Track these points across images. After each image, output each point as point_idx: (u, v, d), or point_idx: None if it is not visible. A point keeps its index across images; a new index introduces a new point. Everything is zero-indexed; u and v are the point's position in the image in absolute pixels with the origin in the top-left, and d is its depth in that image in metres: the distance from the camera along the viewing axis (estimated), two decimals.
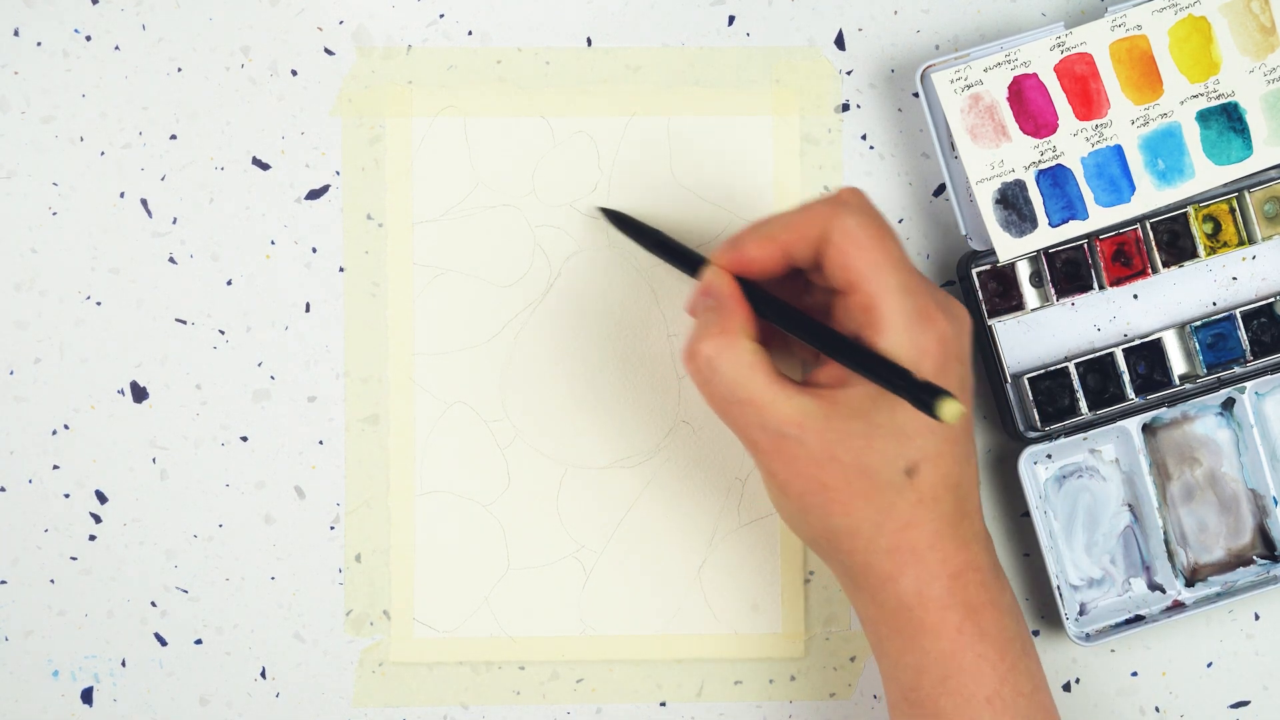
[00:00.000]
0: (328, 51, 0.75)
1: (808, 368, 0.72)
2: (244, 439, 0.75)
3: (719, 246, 0.67)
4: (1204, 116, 0.73)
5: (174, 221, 0.75)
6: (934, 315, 0.64)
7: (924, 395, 0.61)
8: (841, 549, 0.66)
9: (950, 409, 0.60)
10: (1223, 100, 0.73)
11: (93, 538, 0.75)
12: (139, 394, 0.75)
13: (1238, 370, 0.74)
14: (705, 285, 0.67)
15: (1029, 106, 0.73)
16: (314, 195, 0.75)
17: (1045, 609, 0.76)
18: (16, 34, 0.75)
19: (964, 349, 0.66)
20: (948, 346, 0.65)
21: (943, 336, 0.64)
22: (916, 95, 0.75)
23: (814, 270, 0.67)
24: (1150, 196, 0.73)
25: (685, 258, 0.70)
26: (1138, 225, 0.74)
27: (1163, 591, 0.75)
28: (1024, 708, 0.66)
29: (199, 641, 0.75)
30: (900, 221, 0.76)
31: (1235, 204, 0.74)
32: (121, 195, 0.75)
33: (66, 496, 0.75)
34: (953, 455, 0.65)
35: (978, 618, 0.65)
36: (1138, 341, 0.74)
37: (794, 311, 0.67)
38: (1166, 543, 0.75)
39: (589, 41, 0.75)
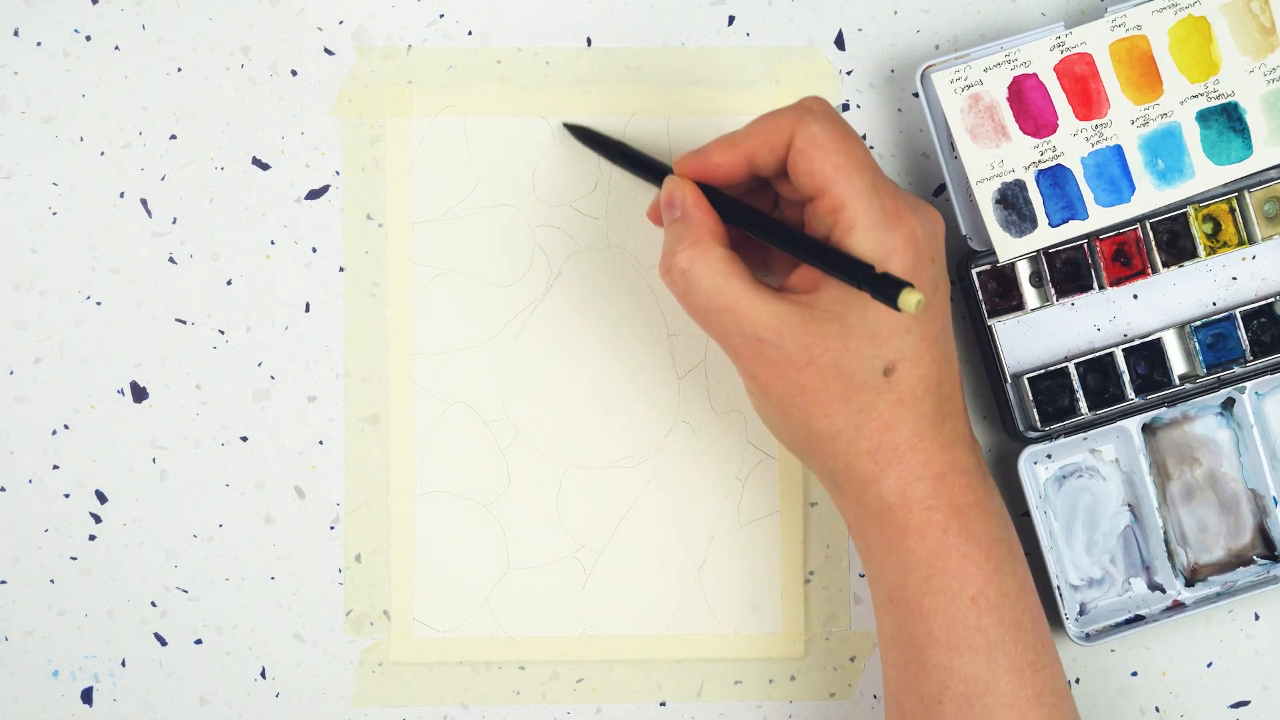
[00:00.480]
0: (328, 51, 0.75)
1: (782, 275, 0.72)
2: (244, 439, 0.75)
3: (683, 154, 0.68)
4: (1204, 116, 0.73)
5: (174, 221, 0.75)
6: (903, 214, 0.65)
7: (884, 287, 0.61)
8: (823, 451, 0.66)
9: (909, 298, 0.60)
10: (1223, 100, 0.73)
11: (93, 538, 0.75)
12: (139, 394, 0.75)
13: (1238, 370, 0.74)
14: (669, 194, 0.67)
15: (1029, 106, 0.73)
16: (314, 195, 0.75)
17: (1045, 609, 0.76)
18: (16, 34, 0.75)
19: (936, 248, 0.66)
20: (918, 245, 0.65)
21: (912, 235, 0.65)
22: (916, 95, 0.75)
23: (779, 179, 0.68)
24: (1150, 196, 0.73)
25: (650, 168, 0.71)
26: (1138, 225, 0.74)
27: (1163, 591, 0.75)
28: (1009, 609, 0.66)
29: (199, 641, 0.75)
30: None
31: (1235, 204, 0.74)
32: (121, 195, 0.75)
33: (66, 496, 0.75)
34: (931, 355, 0.66)
35: (964, 518, 0.66)
36: (1138, 341, 0.74)
37: (760, 215, 0.67)
38: (1166, 543, 0.75)
39: (589, 41, 0.75)
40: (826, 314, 0.65)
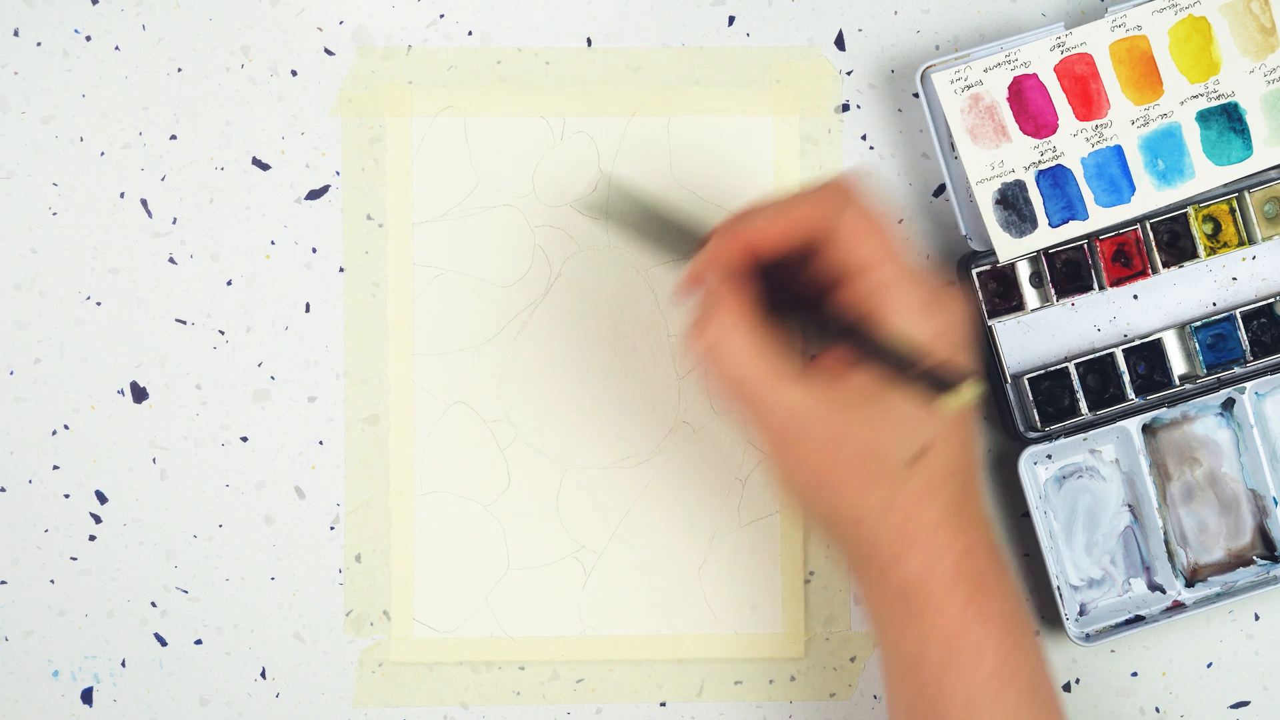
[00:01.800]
0: (328, 51, 0.75)
1: (809, 350, 0.71)
2: (244, 439, 0.75)
3: (722, 222, 0.65)
4: (1204, 117, 0.73)
5: (174, 221, 0.75)
6: (942, 300, 0.64)
7: (941, 380, 0.61)
8: (848, 534, 0.66)
9: (967, 392, 0.60)
10: (1223, 100, 0.73)
11: (93, 538, 0.75)
12: (139, 394, 0.75)
13: (1238, 370, 0.74)
14: (710, 256, 0.65)
15: (1029, 107, 0.73)
16: (314, 195, 0.75)
17: (1045, 609, 0.76)
18: (16, 34, 0.75)
19: (966, 333, 0.66)
20: (954, 332, 0.64)
21: (953, 321, 0.64)
22: (916, 95, 0.75)
23: (803, 259, 0.66)
24: (1150, 197, 0.73)
25: (685, 235, 0.67)
26: (1138, 225, 0.74)
27: (1163, 592, 0.75)
28: (1025, 683, 0.66)
29: (199, 641, 0.75)
30: (900, 221, 0.76)
31: (1235, 204, 0.74)
32: (121, 195, 0.75)
33: (66, 496, 0.75)
34: (960, 439, 0.65)
35: (981, 598, 0.65)
36: (1138, 342, 0.74)
37: (801, 297, 0.66)
38: (1166, 543, 0.75)
39: (589, 41, 0.75)
40: (857, 398, 0.64)
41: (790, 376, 0.64)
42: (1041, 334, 0.75)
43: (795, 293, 0.67)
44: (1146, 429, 0.75)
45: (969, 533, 0.66)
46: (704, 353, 0.64)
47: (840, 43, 0.76)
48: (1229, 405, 0.75)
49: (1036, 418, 0.74)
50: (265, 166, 0.75)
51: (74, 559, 0.75)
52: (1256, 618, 0.76)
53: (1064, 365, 0.74)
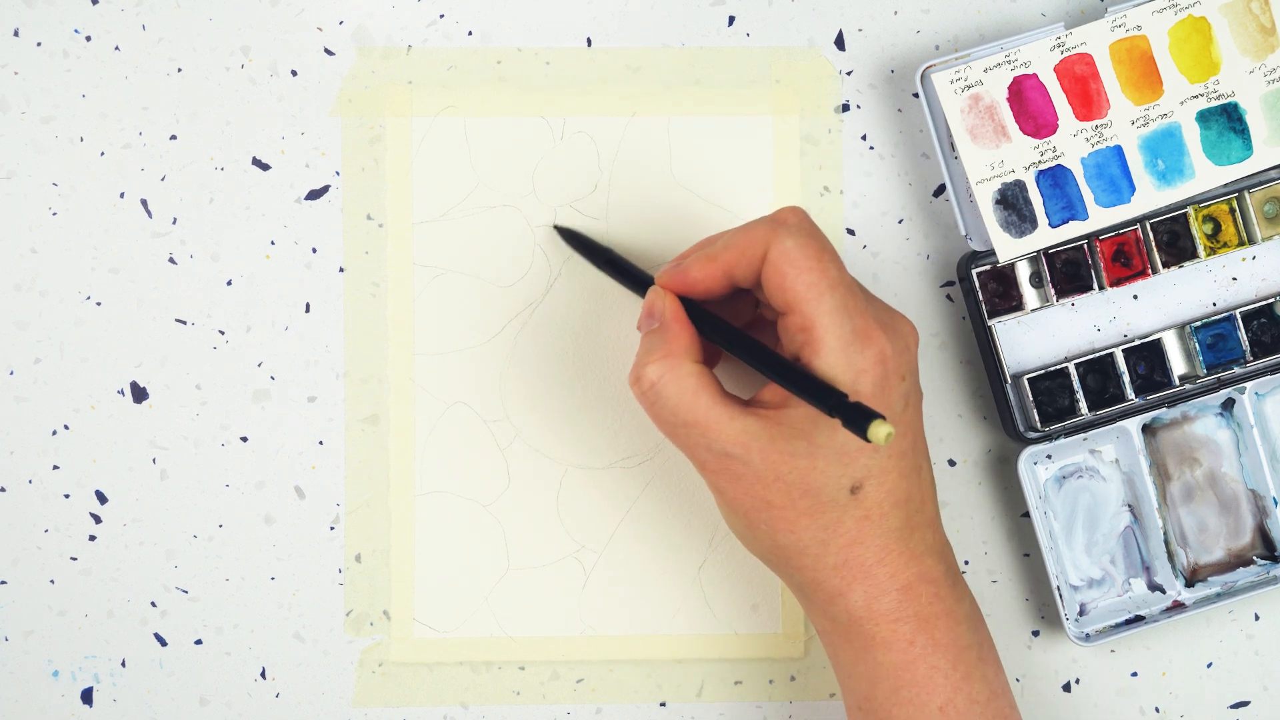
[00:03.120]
0: (328, 51, 0.75)
1: (756, 385, 0.72)
2: (244, 439, 0.75)
3: (664, 267, 0.68)
4: (1204, 117, 0.73)
5: (174, 222, 0.75)
6: (872, 334, 0.64)
7: (854, 416, 0.61)
8: (790, 565, 0.67)
9: (879, 431, 0.60)
10: (1223, 100, 0.73)
11: (93, 538, 0.75)
12: (139, 394, 0.75)
13: (1238, 370, 0.74)
14: (649, 306, 0.67)
15: (1029, 107, 0.73)
16: (314, 195, 0.75)
17: (1045, 609, 0.76)
18: (16, 34, 0.75)
19: (907, 365, 0.66)
20: (887, 365, 0.65)
21: (881, 355, 0.64)
22: (916, 95, 0.75)
23: (758, 289, 0.67)
24: (1150, 197, 0.73)
25: (634, 277, 0.71)
26: (1138, 225, 0.74)
27: (1163, 592, 0.75)
28: (978, 715, 0.66)
29: (199, 642, 0.75)
30: (900, 222, 0.76)
31: (1235, 204, 0.74)
32: (121, 195, 0.75)
33: (66, 496, 0.75)
34: (898, 471, 0.66)
35: (930, 629, 0.66)
36: (1138, 342, 0.74)
37: (735, 332, 0.67)
38: (1166, 543, 0.75)
39: (589, 41, 0.75)
40: (794, 431, 0.65)
41: (731, 409, 0.65)
42: (1041, 334, 0.75)
43: (737, 329, 0.68)
44: (1146, 429, 0.75)
45: (917, 563, 0.66)
46: (648, 388, 0.66)
47: (840, 43, 0.76)
48: (1229, 405, 0.75)
49: (1036, 418, 0.74)
50: (265, 166, 0.75)
51: (74, 559, 0.75)
52: (1256, 618, 0.76)
53: (1064, 365, 0.74)
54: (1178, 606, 0.75)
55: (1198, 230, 0.74)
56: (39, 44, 0.75)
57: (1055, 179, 0.73)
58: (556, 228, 0.75)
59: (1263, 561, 0.75)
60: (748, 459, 0.65)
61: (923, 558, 0.66)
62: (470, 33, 0.75)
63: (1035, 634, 0.76)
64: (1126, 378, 0.74)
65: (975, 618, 0.67)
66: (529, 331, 0.75)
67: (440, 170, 0.75)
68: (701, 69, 0.75)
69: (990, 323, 0.73)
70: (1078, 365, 0.74)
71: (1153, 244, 0.74)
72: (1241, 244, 0.74)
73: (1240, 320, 0.74)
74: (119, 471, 0.75)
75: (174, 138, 0.75)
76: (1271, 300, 0.75)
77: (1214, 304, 0.76)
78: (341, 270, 0.75)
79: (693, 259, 0.67)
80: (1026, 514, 0.75)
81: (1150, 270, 0.74)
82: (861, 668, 0.66)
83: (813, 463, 0.65)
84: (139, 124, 0.75)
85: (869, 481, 0.65)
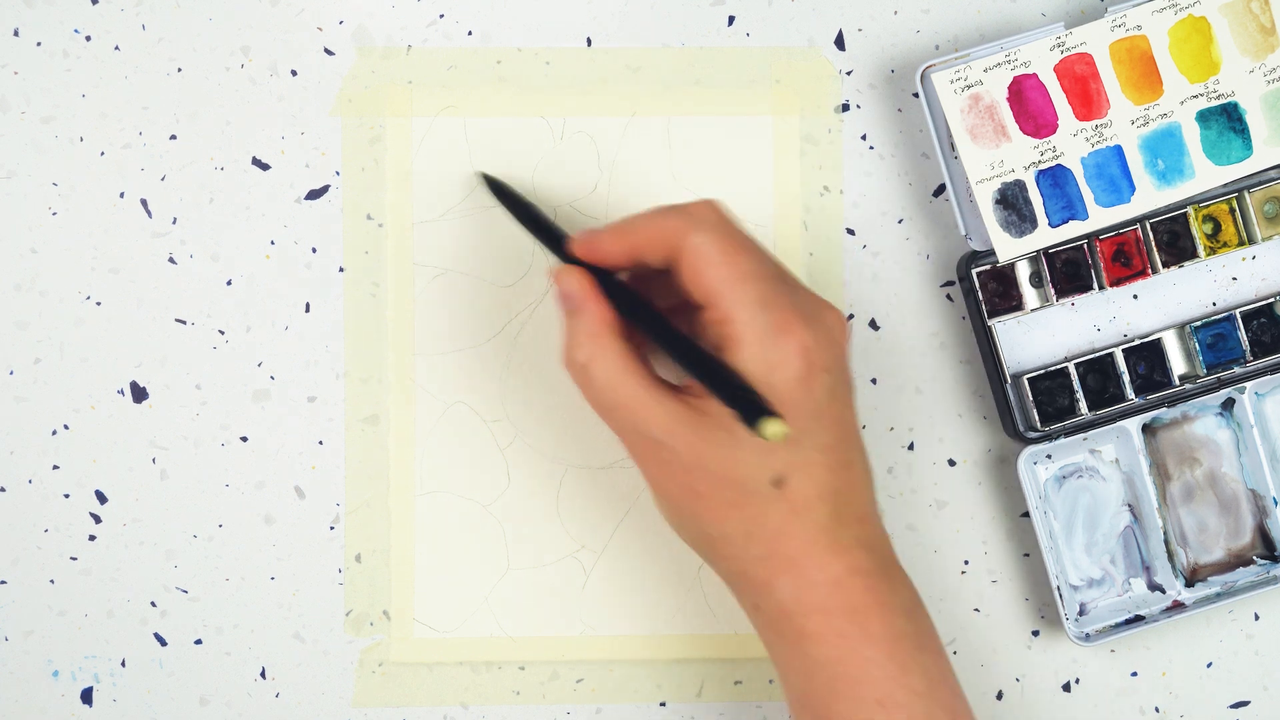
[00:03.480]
0: (328, 51, 0.75)
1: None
2: (244, 439, 0.75)
3: (579, 232, 0.67)
4: (1204, 117, 0.73)
5: (174, 221, 0.75)
6: (792, 326, 0.63)
7: (750, 411, 0.60)
8: (717, 554, 0.66)
9: (772, 428, 0.59)
10: (1223, 100, 0.73)
11: (93, 538, 0.75)
12: (139, 394, 0.75)
13: (1238, 370, 0.74)
14: (563, 287, 0.66)
15: (1029, 106, 0.73)
16: (314, 195, 0.75)
17: (1045, 609, 0.76)
18: (16, 34, 0.75)
19: (832, 357, 0.65)
20: (809, 357, 0.64)
21: (801, 347, 0.63)
22: (916, 95, 0.75)
23: (669, 284, 0.67)
24: (1150, 196, 0.74)
25: (554, 236, 0.69)
26: (1138, 225, 0.74)
27: (1163, 591, 0.75)
28: (919, 707, 0.64)
29: (199, 641, 0.75)
30: (900, 222, 0.76)
31: (1235, 204, 0.74)
32: (121, 195, 0.75)
33: (66, 496, 0.75)
34: (824, 465, 0.65)
35: (862, 621, 0.64)
36: (1138, 341, 0.74)
37: (650, 312, 0.66)
38: (1166, 543, 0.75)
39: (589, 41, 0.75)
40: (716, 421, 0.64)
41: (660, 393, 0.64)
42: (1041, 334, 0.75)
43: (657, 311, 0.67)
44: (1146, 429, 0.75)
45: (846, 556, 0.65)
46: (579, 371, 0.65)
47: (840, 43, 0.76)
48: (1229, 405, 0.75)
49: (1036, 418, 0.74)
50: (265, 166, 0.75)
51: (74, 559, 0.75)
52: (1256, 618, 0.76)
53: (1064, 365, 0.74)
54: (1178, 606, 0.75)
55: (1198, 230, 0.74)
56: (39, 44, 0.75)
57: (1055, 179, 0.73)
58: (482, 175, 0.74)
59: (1263, 561, 0.75)
60: (674, 446, 0.64)
61: (852, 550, 0.65)
62: (470, 33, 0.75)
63: (1035, 634, 0.76)
64: (1126, 378, 0.74)
65: (913, 607, 0.66)
66: (529, 331, 0.75)
67: (440, 170, 0.75)
68: (701, 69, 0.75)
69: (990, 322, 0.73)
70: (1078, 365, 0.74)
71: (1153, 244, 0.74)
72: (1241, 244, 0.74)
73: (1240, 320, 0.74)
74: (119, 471, 0.75)
75: (174, 138, 0.75)
76: (1271, 300, 0.75)
77: (1214, 304, 0.76)
78: (341, 270, 0.75)
79: (607, 228, 0.66)
80: (1026, 514, 0.75)
81: (1150, 270, 0.74)
82: (796, 662, 0.65)
83: (734, 454, 0.64)
84: (139, 124, 0.75)
85: (794, 475, 0.64)
